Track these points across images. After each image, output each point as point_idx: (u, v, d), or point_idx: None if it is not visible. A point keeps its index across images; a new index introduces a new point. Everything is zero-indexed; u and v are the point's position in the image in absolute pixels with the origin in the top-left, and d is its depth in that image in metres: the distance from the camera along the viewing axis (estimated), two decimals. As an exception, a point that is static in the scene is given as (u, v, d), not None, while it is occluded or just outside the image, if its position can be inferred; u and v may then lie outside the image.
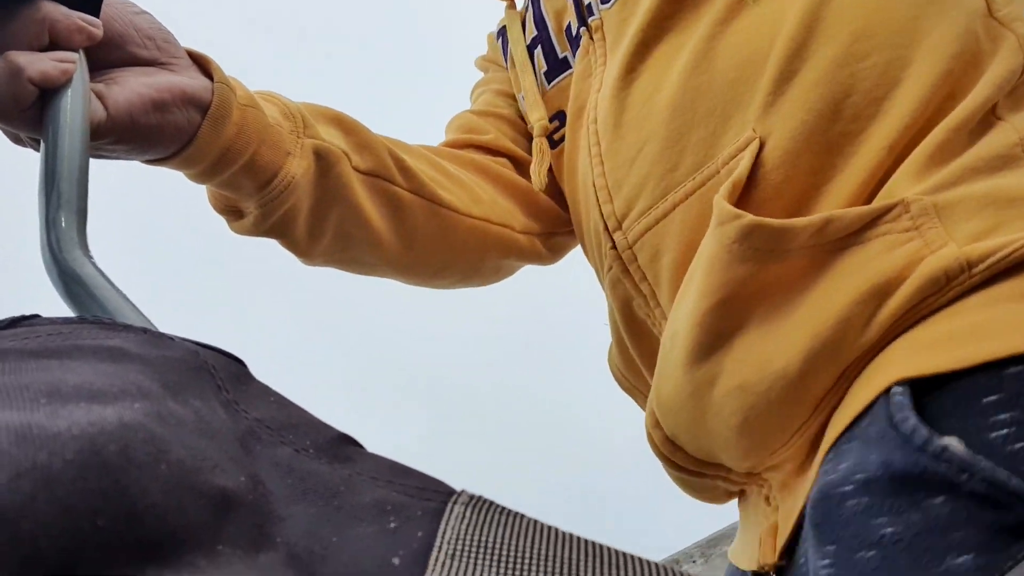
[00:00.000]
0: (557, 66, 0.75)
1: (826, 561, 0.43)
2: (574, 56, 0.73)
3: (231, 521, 0.26)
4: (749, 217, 0.49)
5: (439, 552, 0.30)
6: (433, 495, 0.33)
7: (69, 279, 0.41)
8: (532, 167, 0.74)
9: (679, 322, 0.54)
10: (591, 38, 0.69)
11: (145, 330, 0.31)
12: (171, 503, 0.21)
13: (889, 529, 0.41)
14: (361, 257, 0.74)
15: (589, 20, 0.70)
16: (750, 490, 0.59)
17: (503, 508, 0.33)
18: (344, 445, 0.34)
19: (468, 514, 0.32)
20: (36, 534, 0.15)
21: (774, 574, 0.54)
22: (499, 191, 0.80)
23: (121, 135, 0.54)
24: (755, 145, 0.53)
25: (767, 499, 0.56)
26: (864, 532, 0.42)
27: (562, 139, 0.75)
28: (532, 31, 0.79)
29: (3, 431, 0.17)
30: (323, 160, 0.66)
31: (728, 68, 0.57)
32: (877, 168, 0.51)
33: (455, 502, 0.32)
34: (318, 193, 0.66)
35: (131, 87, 0.55)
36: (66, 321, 0.31)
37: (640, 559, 0.31)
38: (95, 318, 0.32)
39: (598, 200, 0.63)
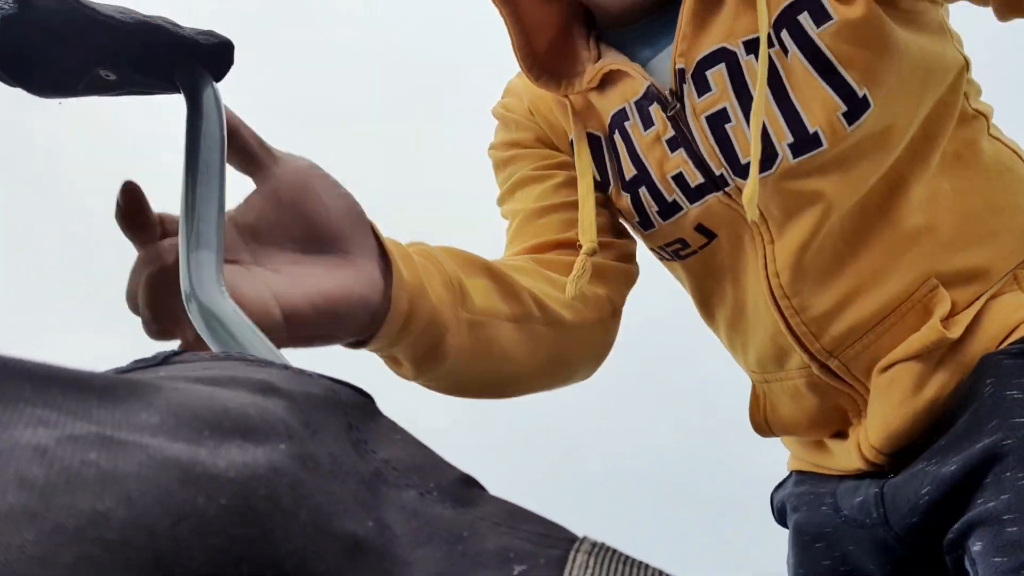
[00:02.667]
0: (668, 208, 0.86)
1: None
2: (684, 199, 0.85)
3: (360, 565, 0.26)
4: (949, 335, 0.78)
5: (562, 601, 0.29)
6: (556, 542, 0.32)
7: (210, 317, 0.43)
8: (571, 278, 0.84)
9: (894, 375, 0.80)
10: (729, 196, 0.83)
11: (287, 366, 0.32)
12: (309, 549, 0.22)
13: None
14: (506, 389, 0.84)
15: (727, 189, 0.82)
16: None
17: (627, 557, 0.32)
18: (467, 487, 0.35)
19: (591, 563, 0.31)
20: (189, 582, 0.16)
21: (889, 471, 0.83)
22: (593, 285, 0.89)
23: (288, 338, 0.55)
24: (942, 290, 0.79)
25: None
26: None
27: (690, 254, 0.89)
28: (631, 169, 0.86)
29: (173, 468, 0.18)
30: (478, 331, 0.73)
31: (895, 247, 0.80)
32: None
33: (578, 550, 0.32)
34: (471, 358, 0.73)
35: (307, 293, 0.55)
36: (214, 357, 0.32)
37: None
38: (239, 354, 0.34)
39: (800, 341, 0.83)
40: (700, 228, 0.87)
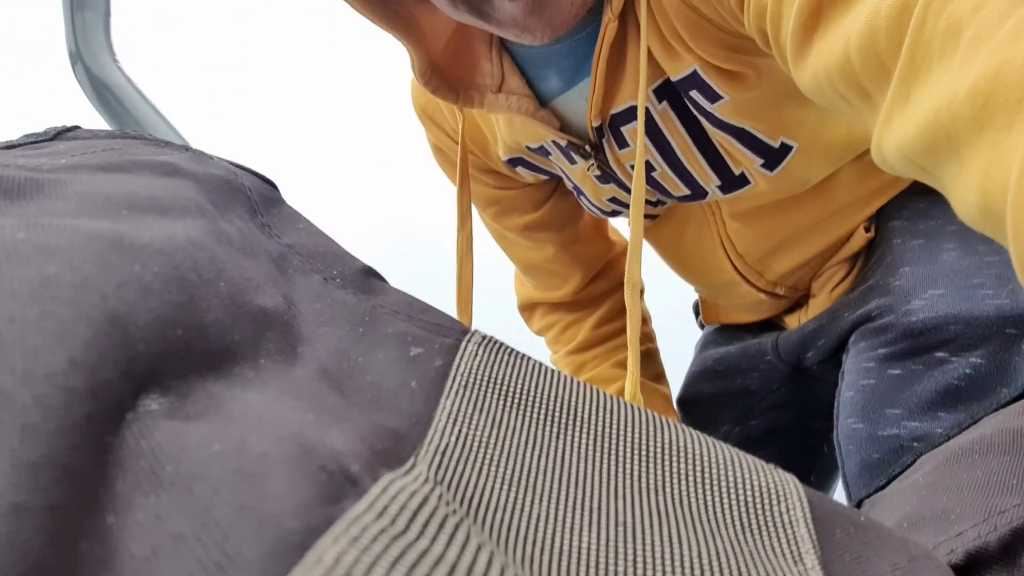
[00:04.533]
0: (609, 214, 0.87)
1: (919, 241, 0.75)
2: (624, 209, 0.84)
3: (270, 339, 0.27)
4: None
5: (453, 382, 0.32)
6: (450, 332, 0.35)
7: (99, 85, 0.41)
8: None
9: (830, 274, 0.87)
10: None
11: (187, 147, 0.32)
12: (227, 319, 0.23)
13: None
14: None
15: (665, 205, 0.85)
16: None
17: (512, 349, 0.35)
18: (368, 277, 0.36)
19: (480, 352, 0.34)
20: (138, 339, 0.17)
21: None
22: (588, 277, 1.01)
23: None
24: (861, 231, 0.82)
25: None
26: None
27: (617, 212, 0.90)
28: (567, 179, 0.84)
29: (102, 239, 0.18)
30: None
31: (833, 210, 0.82)
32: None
33: (469, 340, 0.34)
34: None
35: None
36: (109, 135, 0.31)
37: (635, 406, 0.34)
38: (136, 133, 0.33)
39: (745, 278, 0.87)
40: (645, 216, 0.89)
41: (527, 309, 1.07)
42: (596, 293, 1.02)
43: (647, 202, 0.83)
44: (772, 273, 0.87)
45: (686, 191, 0.77)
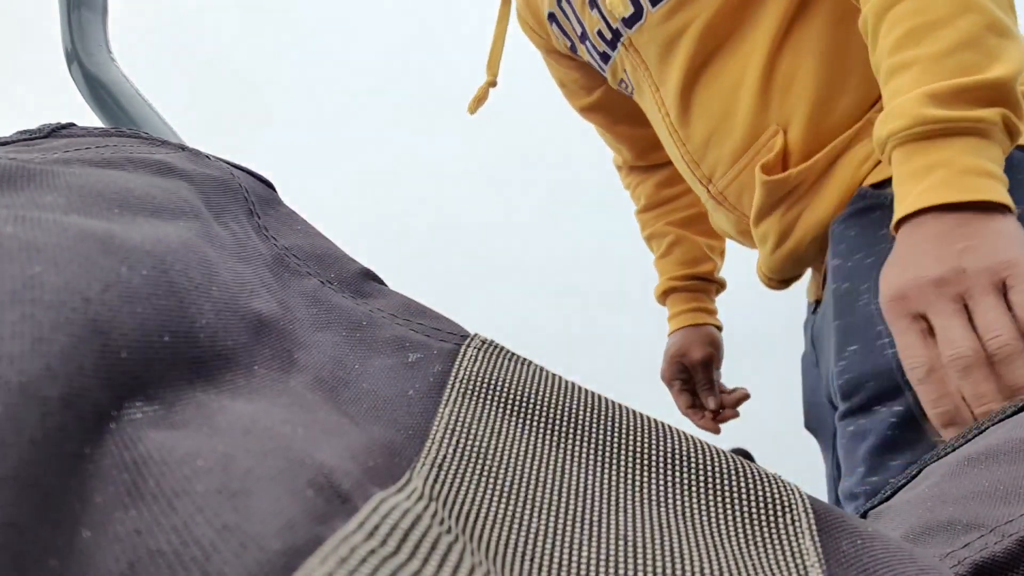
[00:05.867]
0: (603, 57, 1.01)
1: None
2: (609, 48, 0.98)
3: (265, 344, 0.27)
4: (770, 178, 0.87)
5: (452, 390, 0.31)
6: (448, 336, 0.34)
7: (95, 83, 0.40)
8: (472, 100, 1.07)
9: (764, 231, 0.92)
10: (626, 48, 0.96)
11: (183, 146, 0.31)
12: (220, 324, 0.22)
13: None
14: None
15: (622, 40, 0.95)
16: None
17: (512, 353, 0.34)
18: (366, 281, 0.35)
19: (480, 357, 0.33)
20: (121, 345, 0.16)
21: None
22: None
23: None
24: (779, 137, 0.85)
25: None
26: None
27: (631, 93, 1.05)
28: (578, 28, 1.00)
29: (91, 239, 0.17)
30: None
31: (753, 89, 0.86)
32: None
33: (469, 344, 0.34)
34: None
35: None
36: (104, 132, 0.31)
37: (638, 412, 0.33)
38: (132, 131, 0.32)
39: (688, 165, 0.96)
40: (624, 72, 1.00)
41: (619, 168, 1.33)
42: (656, 161, 1.24)
43: (605, 41, 0.96)
44: (707, 166, 0.94)
45: (630, 9, 0.89)
